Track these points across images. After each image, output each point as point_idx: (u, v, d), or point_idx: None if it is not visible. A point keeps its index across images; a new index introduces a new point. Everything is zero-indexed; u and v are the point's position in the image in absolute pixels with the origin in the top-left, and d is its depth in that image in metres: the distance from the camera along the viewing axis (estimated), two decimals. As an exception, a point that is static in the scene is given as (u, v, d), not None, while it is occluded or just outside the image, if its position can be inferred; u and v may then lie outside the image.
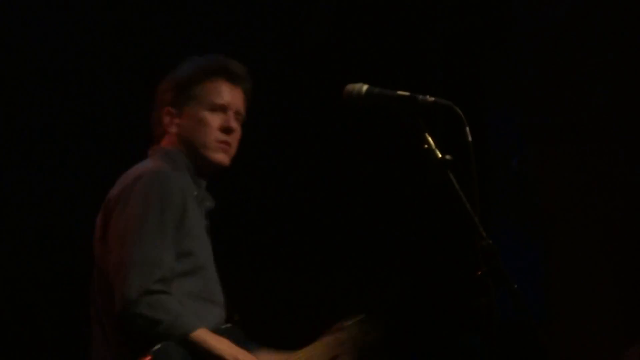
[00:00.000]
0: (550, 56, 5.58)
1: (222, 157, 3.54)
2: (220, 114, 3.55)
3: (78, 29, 4.93)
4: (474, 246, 2.84)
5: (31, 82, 4.85)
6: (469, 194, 2.86)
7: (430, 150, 2.92)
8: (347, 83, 3.22)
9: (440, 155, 2.91)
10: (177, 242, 3.36)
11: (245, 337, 3.47)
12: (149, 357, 3.20)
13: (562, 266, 5.55)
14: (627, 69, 5.37)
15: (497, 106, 5.74)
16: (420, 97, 3.01)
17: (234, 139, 3.57)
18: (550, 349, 2.82)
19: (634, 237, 5.33)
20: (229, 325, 3.46)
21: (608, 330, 5.28)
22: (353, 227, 3.39)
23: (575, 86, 5.52)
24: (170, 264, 3.31)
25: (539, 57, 5.61)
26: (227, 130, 3.54)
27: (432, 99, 3.01)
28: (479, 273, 2.86)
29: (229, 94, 3.57)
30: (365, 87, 3.19)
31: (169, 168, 3.45)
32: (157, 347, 3.21)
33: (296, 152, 5.27)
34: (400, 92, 3.08)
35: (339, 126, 3.19)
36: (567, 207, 5.55)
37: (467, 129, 2.89)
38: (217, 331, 3.37)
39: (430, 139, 2.94)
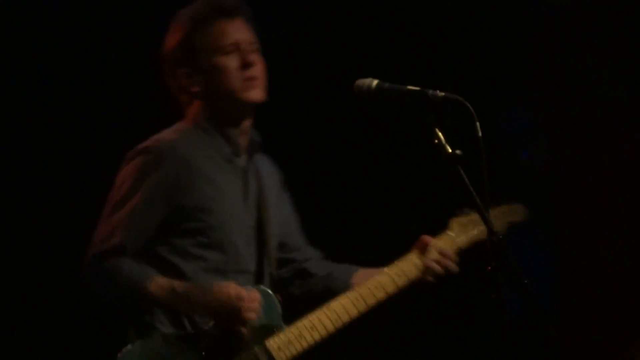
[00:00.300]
0: (561, 50, 5.56)
1: (254, 94, 3.40)
2: (234, 54, 3.40)
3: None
4: (485, 241, 2.85)
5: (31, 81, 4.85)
6: (479, 189, 2.86)
7: (441, 145, 2.93)
8: (358, 78, 3.22)
9: (450, 150, 2.91)
10: (175, 217, 3.29)
11: (269, 298, 3.35)
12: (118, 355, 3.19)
13: (573, 261, 5.54)
14: (639, 60, 5.36)
15: (507, 100, 5.73)
16: (431, 92, 3.02)
17: (259, 70, 3.42)
18: (561, 344, 2.81)
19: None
20: (248, 287, 3.30)
21: (619, 325, 5.27)
22: (360, 220, 3.39)
23: (587, 80, 5.51)
24: (131, 235, 3.25)
25: (550, 51, 5.60)
26: (247, 65, 3.39)
27: (442, 93, 3.01)
28: (489, 268, 2.86)
29: (232, 30, 3.43)
30: (375, 82, 3.19)
31: (180, 136, 3.38)
32: (127, 347, 3.19)
33: (305, 147, 5.26)
34: (410, 87, 3.08)
35: (348, 122, 3.17)
36: (578, 201, 5.54)
37: (477, 123, 2.89)
38: None
39: (440, 133, 2.94)
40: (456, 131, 3.19)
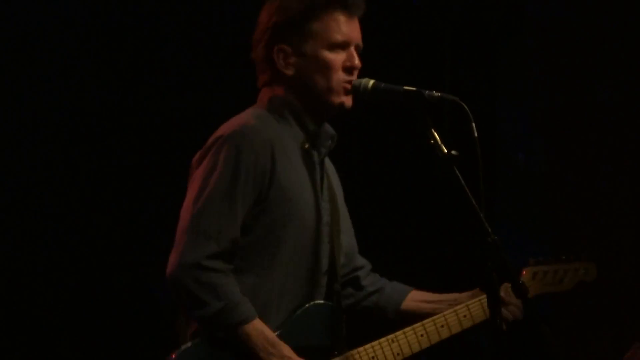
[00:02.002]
0: (559, 51, 5.56)
1: (348, 101, 3.23)
2: (340, 52, 3.21)
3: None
4: (480, 242, 2.84)
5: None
6: (474, 190, 2.86)
7: (437, 146, 2.92)
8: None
9: (446, 151, 2.90)
10: (257, 206, 3.12)
11: (335, 316, 3.24)
12: (173, 356, 3.07)
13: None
14: (637, 62, 5.35)
15: (504, 101, 5.72)
16: (427, 92, 3.01)
17: (356, 75, 3.23)
18: (557, 346, 2.80)
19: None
20: (317, 302, 3.21)
21: (615, 327, 5.27)
22: (355, 222, 3.40)
23: (584, 81, 5.50)
24: (232, 235, 3.08)
25: (547, 52, 5.59)
26: (351, 69, 3.22)
27: (439, 94, 3.00)
28: (485, 269, 2.85)
29: (348, 27, 3.23)
30: (371, 82, 3.19)
31: (261, 122, 3.17)
32: (187, 345, 3.08)
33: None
34: (406, 87, 3.07)
35: (344, 121, 3.17)
36: (575, 202, 5.53)
37: (473, 124, 2.88)
38: (295, 313, 3.17)
39: (436, 134, 2.93)
40: (452, 132, 3.19)
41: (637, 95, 5.34)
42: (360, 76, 3.23)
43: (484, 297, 3.27)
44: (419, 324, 3.32)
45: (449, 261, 5.40)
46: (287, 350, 3.10)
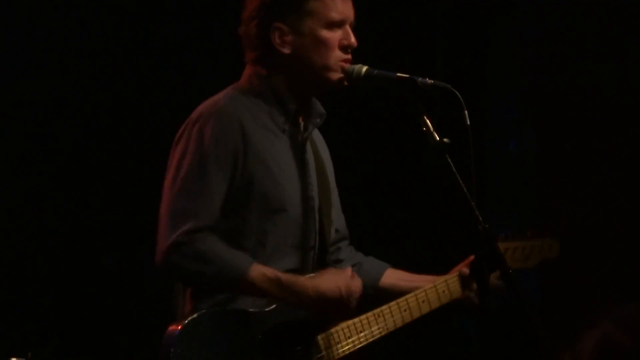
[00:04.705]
0: (550, 40, 5.55)
1: (340, 78, 3.23)
2: (337, 30, 3.23)
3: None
4: (470, 229, 2.84)
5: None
6: (466, 177, 2.86)
7: (429, 133, 2.92)
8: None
9: (438, 138, 2.91)
10: (235, 185, 3.14)
11: None
12: (179, 327, 3.06)
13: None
14: (629, 52, 5.35)
15: (496, 90, 5.72)
16: (420, 79, 3.02)
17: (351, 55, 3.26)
18: (545, 334, 2.82)
19: (632, 223, 5.32)
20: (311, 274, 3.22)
21: (603, 316, 5.28)
22: (347, 209, 3.40)
23: (576, 70, 5.50)
24: (211, 213, 3.10)
25: (539, 40, 5.59)
26: (347, 47, 3.24)
27: (431, 81, 3.01)
28: (475, 256, 2.86)
29: (344, 5, 3.25)
30: (364, 69, 3.20)
31: (233, 101, 3.20)
32: (193, 316, 3.07)
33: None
34: (399, 74, 3.08)
35: (336, 109, 3.17)
36: (565, 192, 5.54)
37: (466, 112, 2.88)
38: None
39: (428, 121, 2.93)
40: (444, 119, 3.19)
41: (629, 83, 5.35)
42: (353, 63, 3.24)
43: (461, 274, 3.42)
44: (402, 298, 3.36)
45: (440, 248, 5.40)
46: (295, 280, 3.12)
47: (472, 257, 3.35)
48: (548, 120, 5.61)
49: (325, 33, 3.21)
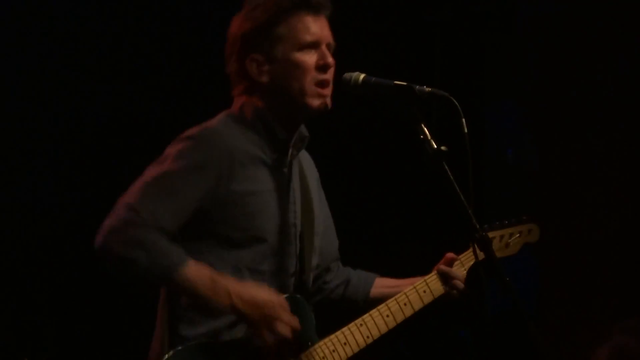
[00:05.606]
0: (548, 47, 5.57)
1: (321, 104, 3.23)
2: (312, 52, 3.22)
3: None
4: (467, 237, 2.85)
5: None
6: (463, 185, 2.87)
7: (426, 141, 2.93)
8: (345, 71, 3.22)
9: (436, 146, 2.91)
10: (212, 207, 3.12)
11: (306, 308, 3.24)
12: None
13: (555, 258, 5.55)
14: (627, 60, 5.37)
15: (494, 97, 5.74)
16: (417, 87, 3.02)
17: (331, 74, 3.24)
18: (541, 342, 2.82)
19: (631, 230, 5.33)
20: (288, 295, 3.19)
21: (600, 323, 5.29)
22: (340, 217, 3.40)
23: (574, 77, 5.51)
24: (168, 218, 3.05)
25: (537, 48, 5.61)
26: (324, 67, 3.23)
27: (429, 89, 3.01)
28: (472, 264, 2.86)
29: (316, 27, 3.24)
30: (362, 76, 3.19)
31: (226, 128, 3.20)
32: (170, 353, 3.05)
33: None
34: (397, 82, 3.08)
35: (332, 116, 3.17)
36: (562, 199, 5.55)
37: (463, 120, 2.89)
38: None
39: (426, 129, 2.94)
40: (442, 127, 3.20)
41: (627, 90, 5.36)
42: (350, 70, 3.24)
43: (441, 271, 3.45)
44: (382, 305, 3.38)
45: (438, 255, 5.40)
46: (231, 281, 3.07)
47: (449, 255, 3.49)
48: (546, 127, 5.62)
49: (299, 56, 3.21)
